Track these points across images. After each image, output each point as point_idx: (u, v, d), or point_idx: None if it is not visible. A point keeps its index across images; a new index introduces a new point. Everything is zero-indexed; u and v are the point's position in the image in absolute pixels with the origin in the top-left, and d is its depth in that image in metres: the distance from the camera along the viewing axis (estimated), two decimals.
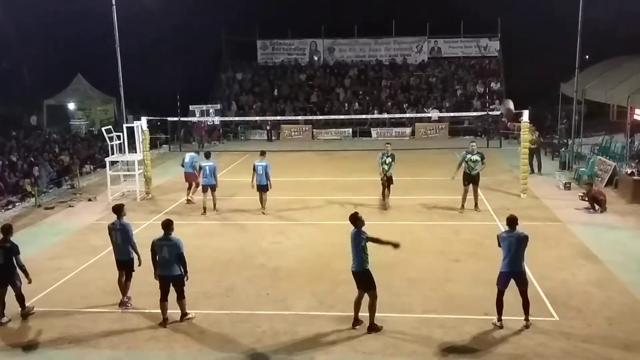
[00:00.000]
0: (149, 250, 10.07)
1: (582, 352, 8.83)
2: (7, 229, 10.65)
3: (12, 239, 10.51)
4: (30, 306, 10.71)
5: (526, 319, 9.63)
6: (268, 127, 33.00)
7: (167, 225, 10.03)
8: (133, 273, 10.82)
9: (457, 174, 16.57)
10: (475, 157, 16.31)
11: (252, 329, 9.83)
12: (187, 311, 10.24)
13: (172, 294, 10.04)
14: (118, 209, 10.86)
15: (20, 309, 10.54)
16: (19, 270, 10.41)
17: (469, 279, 11.55)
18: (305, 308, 10.58)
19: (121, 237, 10.66)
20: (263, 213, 16.91)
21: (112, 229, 10.78)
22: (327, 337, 9.50)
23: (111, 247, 11.15)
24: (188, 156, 19.04)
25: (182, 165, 19.00)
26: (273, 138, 32.98)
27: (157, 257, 10.00)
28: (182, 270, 9.97)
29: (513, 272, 9.54)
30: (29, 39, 35.58)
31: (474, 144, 16.96)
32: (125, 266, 10.75)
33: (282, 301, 10.91)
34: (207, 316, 10.32)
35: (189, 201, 18.47)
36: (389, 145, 17.16)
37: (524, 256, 9.66)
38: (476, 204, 16.57)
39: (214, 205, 17.15)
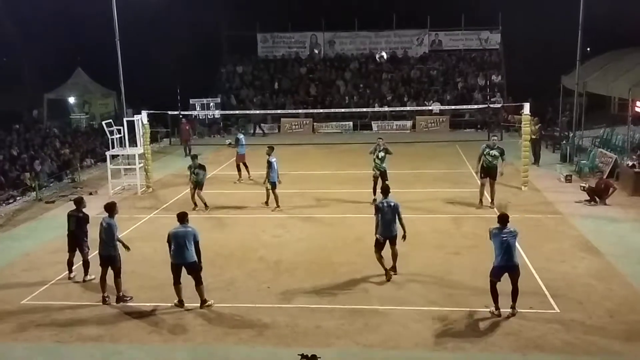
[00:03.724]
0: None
1: (583, 344, 8.85)
2: (79, 201, 11.91)
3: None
4: (91, 277, 11.63)
5: (512, 307, 9.76)
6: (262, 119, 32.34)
7: (182, 217, 10.42)
8: (122, 269, 10.81)
9: (478, 167, 16.30)
10: (495, 152, 15.96)
11: (253, 322, 9.85)
12: (206, 298, 10.44)
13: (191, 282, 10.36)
14: (109, 208, 10.92)
15: (84, 274, 11.68)
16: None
17: (469, 272, 11.54)
18: (306, 301, 10.60)
19: (105, 234, 10.66)
20: (275, 208, 16.64)
21: (101, 224, 10.79)
22: (328, 330, 9.52)
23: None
24: (242, 137, 20.89)
25: (234, 145, 20.59)
26: (266, 132, 32.51)
27: (172, 245, 10.24)
28: (197, 259, 10.27)
29: (507, 267, 9.68)
30: (29, 33, 35.49)
31: (496, 138, 16.78)
32: (111, 262, 10.71)
33: (283, 294, 10.93)
34: (208, 309, 10.35)
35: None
36: (381, 140, 16.93)
37: (517, 250, 9.87)
38: (492, 201, 16.23)
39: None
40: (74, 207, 11.91)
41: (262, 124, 32.66)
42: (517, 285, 9.72)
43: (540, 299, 10.35)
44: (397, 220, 11.30)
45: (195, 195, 16.73)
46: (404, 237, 11.32)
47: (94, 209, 17.52)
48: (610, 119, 27.12)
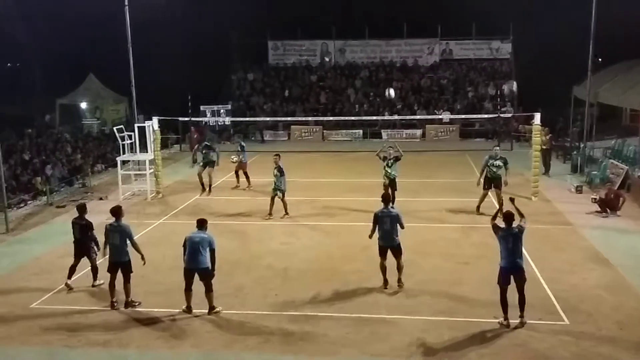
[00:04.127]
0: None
1: (592, 356, 8.78)
2: (82, 208, 11.96)
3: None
4: (100, 282, 11.61)
5: (521, 316, 9.69)
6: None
7: (202, 223, 10.59)
8: (132, 274, 10.82)
9: (481, 178, 16.33)
10: (499, 163, 16.02)
11: (260, 329, 9.85)
12: (215, 305, 10.45)
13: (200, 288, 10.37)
14: (116, 211, 10.92)
15: (93, 280, 11.69)
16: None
17: (478, 282, 11.48)
18: (314, 309, 10.58)
19: (119, 238, 10.67)
20: (283, 216, 16.58)
21: (109, 230, 10.80)
22: (335, 339, 9.49)
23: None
24: (244, 144, 21.16)
25: (239, 153, 20.35)
26: (265, 139, 32.78)
27: (186, 249, 10.31)
28: (211, 266, 10.33)
29: (512, 269, 9.63)
30: (41, 39, 35.86)
31: (498, 148, 16.68)
32: (122, 268, 10.73)
33: (291, 302, 10.91)
34: (216, 316, 10.36)
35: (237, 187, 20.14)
36: (391, 149, 16.91)
37: (522, 251, 9.86)
38: (501, 210, 16.19)
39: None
40: (77, 214, 11.87)
41: (263, 131, 32.81)
42: (523, 293, 9.66)
43: (549, 310, 10.28)
44: (397, 230, 11.23)
45: (205, 172, 16.72)
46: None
47: (105, 214, 17.62)
48: (621, 129, 26.95)
